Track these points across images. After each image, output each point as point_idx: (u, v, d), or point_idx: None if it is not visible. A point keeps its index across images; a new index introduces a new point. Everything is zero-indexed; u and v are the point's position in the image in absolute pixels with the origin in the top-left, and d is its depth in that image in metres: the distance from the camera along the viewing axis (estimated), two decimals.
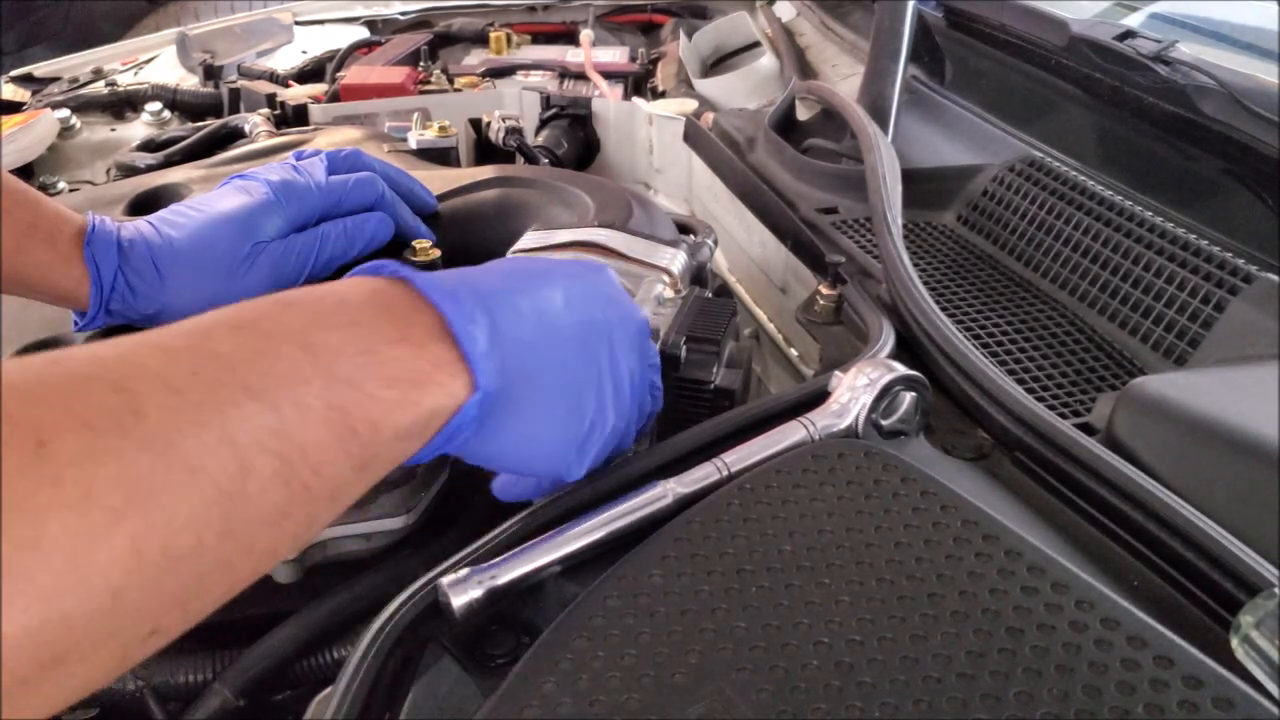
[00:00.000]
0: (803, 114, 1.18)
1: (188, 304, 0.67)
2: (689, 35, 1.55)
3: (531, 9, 1.77)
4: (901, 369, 0.57)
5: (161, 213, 0.71)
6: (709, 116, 1.18)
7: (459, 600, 0.45)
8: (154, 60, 1.61)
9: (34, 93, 1.48)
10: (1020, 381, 0.65)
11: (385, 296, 0.42)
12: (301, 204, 0.72)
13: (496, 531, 0.50)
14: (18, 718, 0.28)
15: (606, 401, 0.50)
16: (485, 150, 1.20)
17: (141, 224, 0.69)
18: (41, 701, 0.28)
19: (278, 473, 0.34)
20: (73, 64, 1.58)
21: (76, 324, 0.68)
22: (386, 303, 0.42)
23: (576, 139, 1.29)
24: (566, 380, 0.48)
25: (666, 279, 0.71)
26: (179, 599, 0.31)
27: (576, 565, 0.48)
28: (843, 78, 1.30)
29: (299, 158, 0.77)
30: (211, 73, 1.49)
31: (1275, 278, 0.66)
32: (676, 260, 0.73)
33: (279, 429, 0.34)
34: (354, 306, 0.41)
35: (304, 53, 1.64)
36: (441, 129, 1.07)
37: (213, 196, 0.72)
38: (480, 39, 1.64)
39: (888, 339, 0.66)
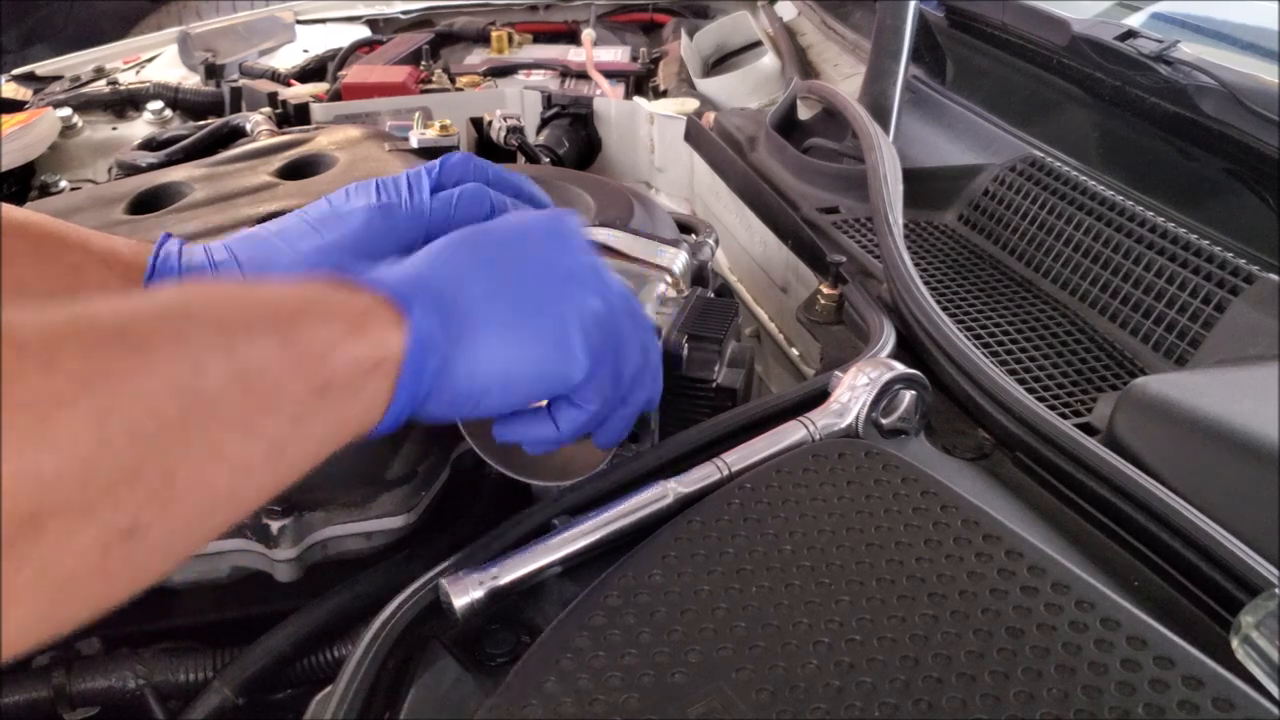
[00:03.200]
0: (804, 113, 1.18)
1: None
2: (690, 35, 1.56)
3: (533, 8, 1.77)
4: (901, 368, 0.57)
5: (243, 241, 0.61)
6: (710, 116, 1.18)
7: (460, 600, 0.45)
8: (156, 59, 1.61)
9: (36, 91, 1.48)
10: (1021, 381, 0.65)
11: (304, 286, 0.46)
12: (400, 235, 0.62)
13: (496, 531, 0.50)
14: (10, 618, 0.29)
15: (567, 333, 0.49)
16: (486, 149, 1.20)
17: (219, 253, 0.60)
18: (28, 589, 0.30)
19: (232, 376, 0.36)
20: (74, 63, 1.58)
21: None
22: (308, 285, 0.45)
23: (578, 138, 1.29)
24: (510, 293, 0.49)
25: (668, 278, 0.71)
26: (153, 490, 0.33)
27: (576, 565, 0.48)
28: (844, 77, 1.30)
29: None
30: (213, 71, 1.49)
31: (1276, 278, 0.66)
32: (678, 259, 0.73)
33: (227, 340, 0.37)
34: (278, 289, 0.44)
35: (305, 51, 1.64)
36: (443, 128, 1.07)
37: (304, 229, 0.61)
38: (482, 38, 1.64)
39: (888, 338, 0.66)
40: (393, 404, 0.44)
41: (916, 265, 0.73)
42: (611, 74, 1.44)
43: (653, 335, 0.57)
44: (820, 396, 0.59)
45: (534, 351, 0.49)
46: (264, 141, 1.07)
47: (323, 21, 1.79)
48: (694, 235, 0.83)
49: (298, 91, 1.36)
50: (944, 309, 0.68)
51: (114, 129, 1.38)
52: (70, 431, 0.30)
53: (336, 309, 0.43)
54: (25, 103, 1.43)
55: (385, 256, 0.60)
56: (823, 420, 0.56)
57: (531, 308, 0.49)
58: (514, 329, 0.48)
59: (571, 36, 1.68)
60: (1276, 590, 0.41)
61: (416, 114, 1.11)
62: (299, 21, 1.75)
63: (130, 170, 1.12)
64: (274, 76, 1.47)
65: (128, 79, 1.51)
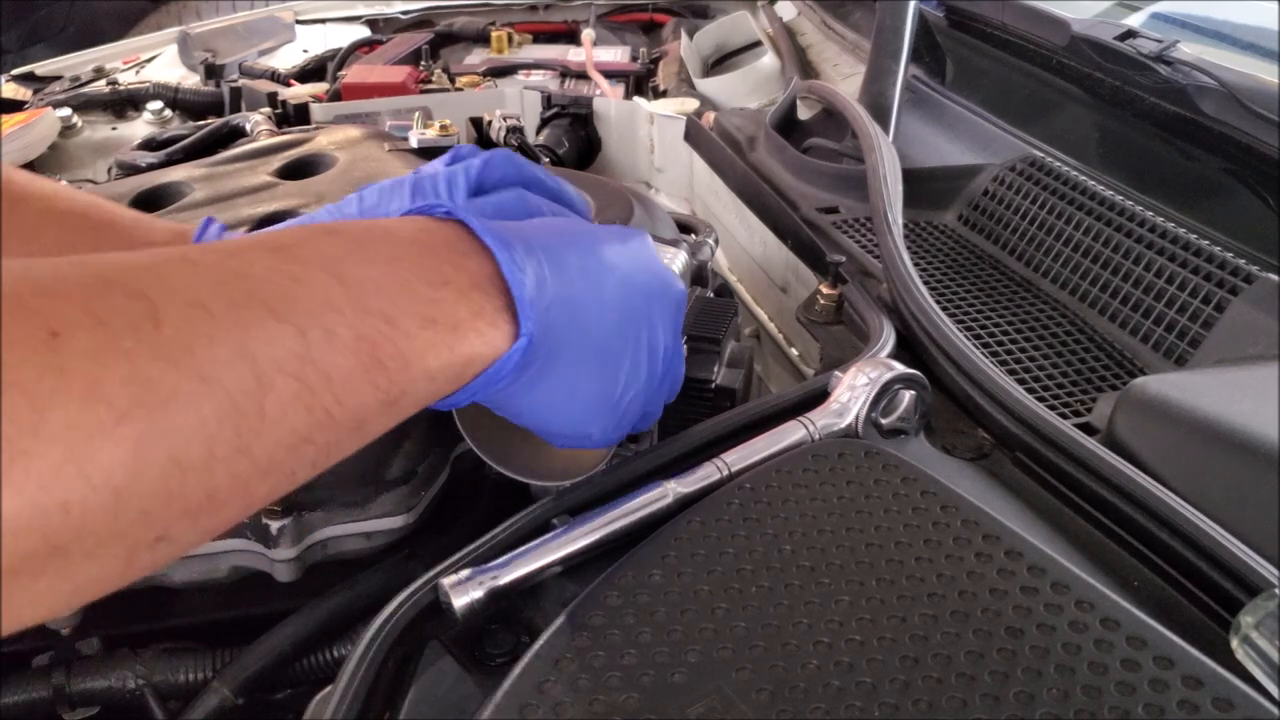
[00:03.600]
0: (804, 113, 1.18)
1: None
2: (690, 34, 1.56)
3: (533, 8, 1.77)
4: (900, 367, 0.57)
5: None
6: (710, 116, 1.18)
7: (460, 601, 0.45)
8: (155, 59, 1.61)
9: (35, 91, 1.48)
10: (1021, 381, 0.65)
11: (434, 236, 0.42)
12: None
13: (496, 531, 0.50)
14: (22, 607, 0.28)
15: (640, 367, 0.49)
16: (486, 149, 1.20)
17: None
18: (45, 590, 0.28)
19: (298, 396, 0.34)
20: (74, 63, 1.58)
21: None
22: (433, 242, 0.42)
23: (578, 138, 1.29)
24: (605, 341, 0.47)
25: None
26: (190, 510, 0.31)
27: (576, 565, 0.48)
28: (844, 77, 1.30)
29: (454, 159, 0.64)
30: (213, 71, 1.50)
31: (1276, 278, 0.66)
32: (677, 259, 0.73)
33: (302, 353, 0.34)
34: (399, 242, 0.41)
35: (305, 51, 1.64)
36: (443, 128, 1.07)
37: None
38: (481, 38, 1.64)
39: (888, 338, 0.66)
40: (455, 397, 0.42)
41: (916, 265, 0.73)
42: (611, 74, 1.44)
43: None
44: (820, 396, 0.59)
45: (599, 395, 0.48)
46: (264, 141, 1.07)
47: (322, 21, 1.79)
48: (694, 235, 0.83)
49: (297, 91, 1.36)
50: (944, 309, 0.68)
51: (114, 129, 1.38)
52: (105, 463, 0.28)
53: (434, 312, 0.39)
54: (25, 103, 1.43)
55: None
56: (822, 420, 0.56)
57: (617, 353, 0.48)
58: (590, 369, 0.47)
59: (571, 36, 1.68)
60: (1276, 590, 0.41)
61: (416, 114, 1.11)
62: (299, 21, 1.75)
63: (130, 170, 1.12)
64: (274, 76, 1.47)
65: (127, 79, 1.51)
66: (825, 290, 0.77)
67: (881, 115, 1.01)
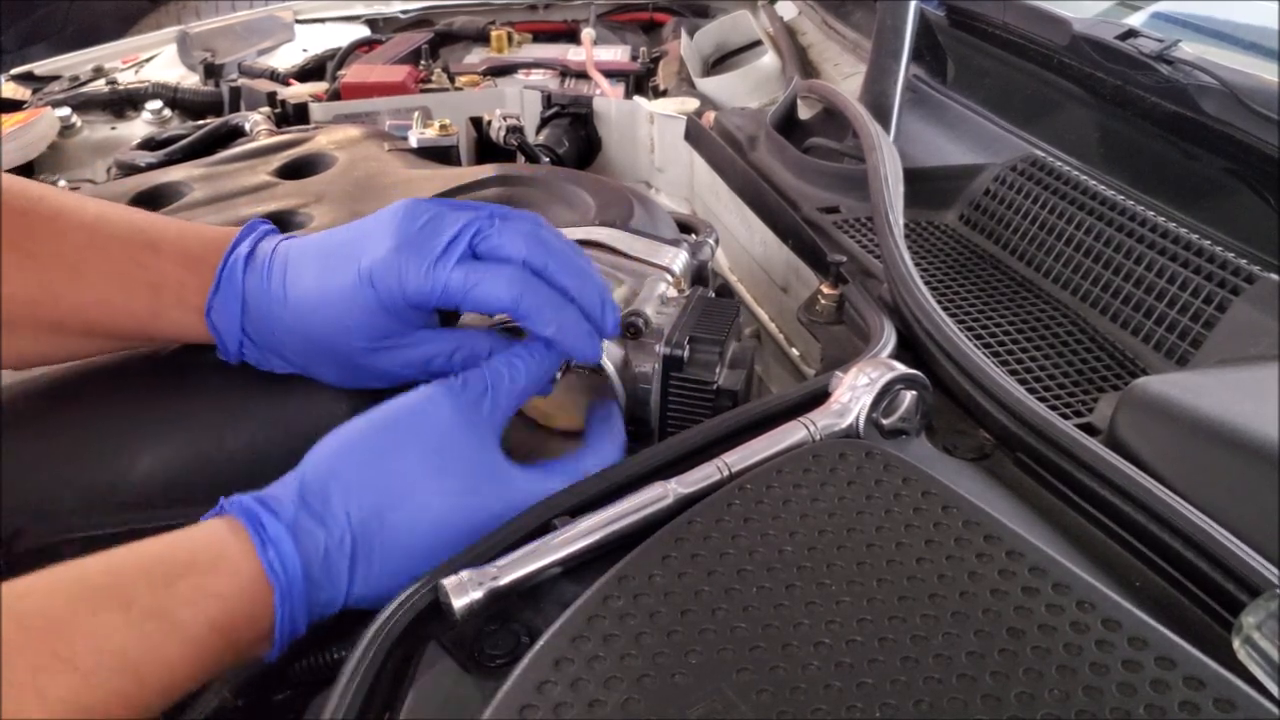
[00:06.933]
0: (804, 113, 1.17)
1: (320, 367, 0.61)
2: (690, 34, 1.55)
3: (533, 7, 1.77)
4: (901, 368, 0.57)
5: (299, 252, 0.59)
6: (710, 115, 1.18)
7: (460, 601, 0.45)
8: (155, 59, 1.61)
9: (34, 91, 1.48)
10: (1022, 381, 0.65)
11: (239, 574, 0.47)
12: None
13: (496, 531, 0.50)
14: None
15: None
16: (486, 149, 1.20)
17: (278, 262, 0.59)
18: None
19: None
20: (73, 62, 1.58)
21: None
22: (240, 586, 0.47)
23: (578, 138, 1.29)
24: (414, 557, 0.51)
25: (669, 277, 0.71)
26: None
27: (577, 565, 0.48)
28: (844, 77, 1.30)
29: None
30: (212, 71, 1.50)
31: (1277, 278, 0.66)
32: (678, 259, 0.73)
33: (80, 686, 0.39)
34: (202, 600, 0.45)
35: (305, 51, 1.64)
36: (442, 127, 1.07)
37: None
38: (481, 37, 1.64)
39: (889, 338, 0.66)
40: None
41: (917, 265, 0.73)
42: (611, 73, 1.44)
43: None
44: (821, 397, 0.58)
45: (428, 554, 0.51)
46: (263, 141, 1.07)
47: (322, 21, 1.79)
48: (694, 235, 0.83)
49: (297, 91, 1.36)
50: (944, 309, 0.67)
51: (113, 129, 1.38)
52: None
53: (227, 640, 0.46)
54: (24, 102, 1.43)
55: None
56: (823, 421, 0.55)
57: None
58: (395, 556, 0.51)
59: (571, 36, 1.68)
60: (1278, 591, 0.41)
61: (416, 113, 1.11)
62: (298, 21, 1.75)
63: (129, 170, 1.12)
64: (273, 76, 1.47)
65: (126, 78, 1.51)
66: (826, 290, 0.77)
67: (882, 115, 1.01)
